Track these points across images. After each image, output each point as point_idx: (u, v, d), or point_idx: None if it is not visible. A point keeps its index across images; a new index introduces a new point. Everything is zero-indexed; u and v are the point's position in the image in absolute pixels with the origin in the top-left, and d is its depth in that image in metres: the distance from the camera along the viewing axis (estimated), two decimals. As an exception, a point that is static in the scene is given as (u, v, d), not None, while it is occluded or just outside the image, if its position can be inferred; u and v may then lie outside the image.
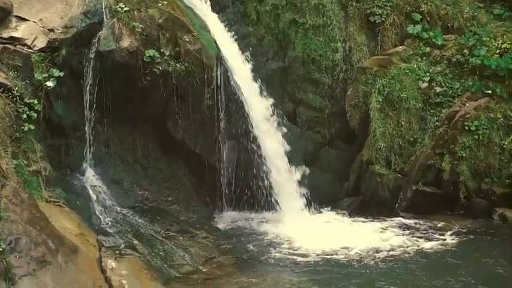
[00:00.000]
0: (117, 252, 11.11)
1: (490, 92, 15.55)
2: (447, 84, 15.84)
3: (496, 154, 15.10)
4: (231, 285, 11.02)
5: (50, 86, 12.33)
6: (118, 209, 12.92)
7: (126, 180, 13.72)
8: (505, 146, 15.15)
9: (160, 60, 13.39)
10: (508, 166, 15.06)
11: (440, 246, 13.25)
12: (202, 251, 12.50)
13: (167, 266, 11.63)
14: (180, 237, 12.72)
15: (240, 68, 15.01)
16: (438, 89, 15.83)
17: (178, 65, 13.58)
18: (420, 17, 16.39)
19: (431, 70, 15.99)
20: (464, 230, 14.20)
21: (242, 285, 11.00)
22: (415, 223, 14.65)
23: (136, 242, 11.83)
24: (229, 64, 14.61)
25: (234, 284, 11.04)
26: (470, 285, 11.27)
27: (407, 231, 14.12)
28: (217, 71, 14.20)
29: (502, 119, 15.30)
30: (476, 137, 15.00)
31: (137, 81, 13.33)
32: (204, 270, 11.84)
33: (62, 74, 12.48)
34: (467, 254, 12.79)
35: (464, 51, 15.92)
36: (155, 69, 13.38)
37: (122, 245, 11.54)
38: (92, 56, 12.94)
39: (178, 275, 11.46)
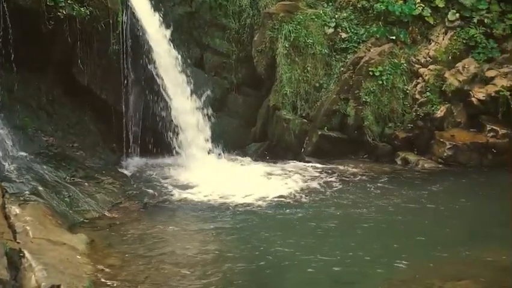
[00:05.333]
0: (21, 198, 10.93)
1: (394, 37, 15.86)
2: (352, 30, 16.07)
3: (399, 99, 15.41)
4: (137, 230, 11.01)
5: (-51, 30, 12.06)
6: (22, 155, 12.72)
7: (30, 126, 13.49)
8: (408, 91, 15.49)
9: (63, 4, 13.15)
10: (410, 111, 15.41)
11: (340, 188, 13.53)
12: (108, 196, 12.45)
13: (72, 212, 11.53)
14: (86, 183, 12.62)
15: (147, 13, 14.83)
16: (343, 35, 16.04)
17: (82, 9, 13.38)
18: (326, -39, 16.51)
19: (336, 16, 16.18)
20: (367, 173, 14.51)
21: (147, 229, 11.01)
22: (320, 167, 14.91)
23: (40, 188, 11.66)
24: (135, 9, 14.42)
25: (139, 229, 11.04)
26: (369, 219, 11.60)
27: (312, 175, 14.35)
28: (122, 15, 14.04)
29: (405, 65, 15.64)
30: (380, 82, 15.27)
31: (41, 25, 13.09)
32: (109, 215, 11.80)
33: (-38, 18, 12.21)
34: (369, 194, 13.10)
35: (369, -3, 16.15)
36: (59, 14, 13.15)
37: (27, 192, 11.34)
38: (-7, -1, 12.62)
39: (83, 221, 11.39)
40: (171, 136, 14.75)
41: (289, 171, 14.64)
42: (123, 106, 14.69)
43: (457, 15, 15.92)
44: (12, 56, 12.91)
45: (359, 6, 16.23)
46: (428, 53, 15.85)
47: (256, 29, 16.37)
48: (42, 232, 9.88)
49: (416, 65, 15.73)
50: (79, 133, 14.27)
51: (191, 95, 15.17)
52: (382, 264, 9.63)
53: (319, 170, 14.69)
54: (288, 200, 12.76)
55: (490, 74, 15.44)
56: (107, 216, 11.79)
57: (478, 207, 12.29)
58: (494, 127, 14.98)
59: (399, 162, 15.24)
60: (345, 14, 16.23)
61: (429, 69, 15.58)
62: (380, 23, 15.98)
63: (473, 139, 15.02)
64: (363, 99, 15.23)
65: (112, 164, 14.32)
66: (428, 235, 10.89)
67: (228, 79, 16.51)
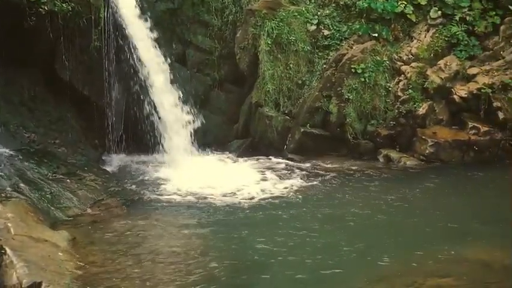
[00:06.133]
0: (2, 195, 10.86)
1: (376, 35, 15.86)
2: (335, 27, 16.06)
3: (382, 96, 15.44)
4: (119, 227, 10.97)
5: None
6: (4, 151, 12.67)
7: (12, 122, 13.46)
8: (390, 89, 15.51)
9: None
10: (393, 108, 15.43)
11: (323, 186, 13.52)
12: (90, 193, 12.40)
13: (54, 208, 11.46)
14: (68, 180, 12.55)
15: (129, 9, 14.77)
16: (326, 32, 16.03)
17: (64, 5, 13.35)
18: (308, -42, 16.48)
19: (319, 13, 16.17)
20: (349, 170, 14.51)
21: (129, 226, 10.98)
22: (303, 164, 14.94)
23: (22, 185, 11.60)
24: (117, 5, 14.38)
25: (121, 226, 11.00)
26: (352, 217, 11.59)
27: (295, 172, 14.37)
28: (104, 11, 14.01)
29: (387, 62, 15.66)
30: (363, 79, 15.28)
31: (23, 21, 13.05)
32: (91, 212, 11.76)
33: None
34: (352, 192, 13.08)
35: (352, -6, 16.15)
36: (41, 9, 13.13)
37: (8, 188, 11.28)
38: (-27, -6, 12.56)
39: (65, 218, 11.33)
40: (154, 133, 14.71)
41: (272, 168, 14.65)
42: (105, 102, 14.66)
43: (439, 12, 15.97)
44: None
45: (341, 3, 16.21)
46: (410, 50, 15.89)
47: (238, 25, 16.34)
48: (23, 229, 9.83)
49: (398, 63, 15.76)
50: (61, 129, 14.23)
51: (174, 91, 15.12)
52: (366, 262, 9.65)
53: (301, 167, 14.69)
54: (272, 198, 12.75)
55: (472, 71, 15.50)
56: (89, 213, 11.74)
57: (460, 205, 12.32)
58: (476, 124, 15.04)
59: (381, 159, 15.26)
60: (327, 11, 16.22)
61: (411, 66, 15.62)
62: (363, 20, 15.99)
63: (455, 136, 15.07)
64: (346, 97, 15.25)
65: (94, 161, 14.28)
66: (411, 233, 10.92)
67: (210, 76, 16.47)
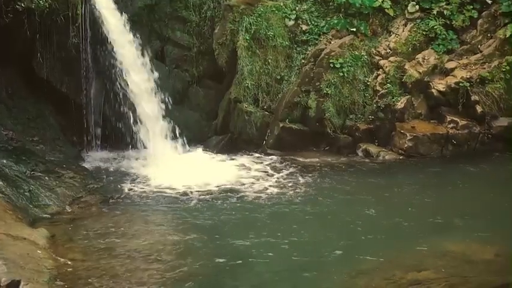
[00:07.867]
0: (-20, 193, 10.87)
1: (354, 30, 15.90)
2: (313, 22, 16.06)
3: (360, 91, 15.48)
4: (98, 224, 10.95)
5: None
6: (-19, 149, 12.63)
7: (-11, 120, 13.41)
8: (368, 83, 15.56)
9: (22, -4, 13.08)
10: (371, 103, 15.48)
11: (303, 181, 13.50)
12: (68, 191, 12.35)
13: (33, 206, 11.43)
14: (46, 178, 12.48)
15: (107, 6, 14.70)
16: (304, 27, 16.03)
17: (41, 2, 13.25)
18: (285, -47, 16.44)
19: (297, 8, 16.16)
20: (328, 165, 14.53)
21: (108, 224, 10.95)
22: (282, 159, 14.92)
23: (0, 183, 11.56)
24: (95, 1, 14.31)
25: (100, 223, 10.98)
26: (331, 213, 11.69)
27: (274, 168, 14.36)
28: (82, 8, 13.94)
29: (366, 57, 15.71)
30: (341, 74, 15.31)
31: (-1, 18, 13.01)
32: (70, 210, 11.72)
33: None
34: (331, 187, 13.11)
35: (330, -11, 16.15)
36: (17, 6, 13.04)
37: (-14, 186, 11.29)
38: (-51, -9, 12.48)
39: (44, 216, 11.31)
40: (132, 129, 14.64)
41: (251, 164, 14.63)
42: (83, 99, 14.61)
43: (417, 7, 16.02)
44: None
45: (319, -2, 16.28)
46: (389, 44, 15.93)
47: (217, 21, 16.29)
48: (2, 227, 9.80)
49: (377, 57, 15.80)
50: (39, 127, 14.16)
51: (153, 87, 15.06)
52: (344, 257, 9.71)
53: (281, 163, 14.67)
54: (251, 194, 12.74)
55: (450, 65, 15.58)
56: (68, 210, 11.71)
57: (438, 198, 12.38)
58: (454, 118, 15.14)
59: (360, 154, 15.29)
60: (305, 6, 16.21)
61: (389, 61, 15.66)
62: (341, 15, 16.01)
63: (433, 130, 15.15)
64: (325, 91, 15.26)
65: (72, 158, 14.19)
66: (390, 227, 10.97)
67: (189, 72, 16.41)
